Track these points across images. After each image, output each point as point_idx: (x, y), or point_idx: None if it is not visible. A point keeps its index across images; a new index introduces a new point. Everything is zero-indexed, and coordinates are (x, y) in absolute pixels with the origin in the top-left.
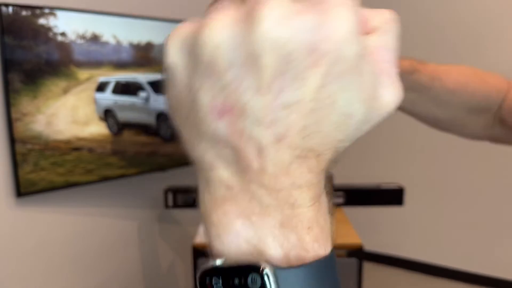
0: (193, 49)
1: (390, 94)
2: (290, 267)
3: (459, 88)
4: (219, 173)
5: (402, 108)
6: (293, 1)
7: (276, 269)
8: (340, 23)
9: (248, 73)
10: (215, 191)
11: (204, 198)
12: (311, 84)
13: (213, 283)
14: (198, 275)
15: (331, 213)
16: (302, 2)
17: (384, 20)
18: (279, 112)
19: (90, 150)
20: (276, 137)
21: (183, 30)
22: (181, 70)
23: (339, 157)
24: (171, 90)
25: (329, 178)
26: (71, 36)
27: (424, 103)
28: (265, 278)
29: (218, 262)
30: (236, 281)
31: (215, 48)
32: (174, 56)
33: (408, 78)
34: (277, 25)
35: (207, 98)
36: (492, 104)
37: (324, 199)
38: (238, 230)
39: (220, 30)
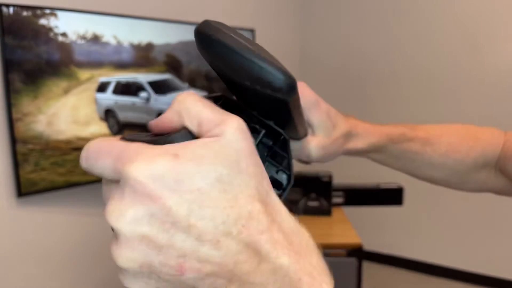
0: None
1: None
2: None
3: (452, 150)
4: None
5: (395, 169)
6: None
7: None
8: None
9: None
10: None
11: None
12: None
13: None
14: None
15: None
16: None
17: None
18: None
19: None
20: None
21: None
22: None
23: None
24: None
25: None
26: (72, 36)
27: (417, 167)
28: None
29: None
30: None
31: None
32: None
33: (397, 149)
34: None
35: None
36: (489, 159)
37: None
38: None
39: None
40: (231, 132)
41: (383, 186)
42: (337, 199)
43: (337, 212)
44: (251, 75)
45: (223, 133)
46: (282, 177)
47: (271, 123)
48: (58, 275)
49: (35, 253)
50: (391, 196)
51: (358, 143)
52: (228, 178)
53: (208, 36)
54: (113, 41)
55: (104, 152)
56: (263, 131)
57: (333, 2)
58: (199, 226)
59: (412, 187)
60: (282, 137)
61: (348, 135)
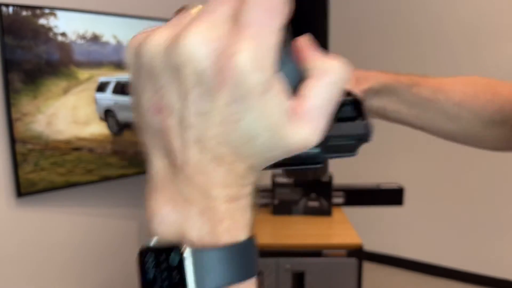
0: (139, 57)
1: (300, 135)
2: (204, 249)
3: (467, 100)
4: (156, 163)
5: (410, 124)
6: (218, 26)
7: (192, 249)
8: (244, 54)
9: (174, 80)
10: (152, 179)
11: (147, 186)
12: (218, 100)
13: (146, 260)
14: (137, 253)
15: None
16: (227, 28)
17: (326, 68)
18: (195, 117)
19: (90, 150)
20: (196, 138)
21: (137, 38)
22: (133, 72)
23: (260, 170)
24: (129, 86)
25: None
26: (72, 36)
27: (431, 117)
28: (183, 256)
29: (151, 242)
30: (162, 258)
31: (151, 58)
32: (128, 60)
33: (407, 92)
34: (196, 44)
35: (147, 96)
36: (507, 116)
37: (245, 200)
38: (164, 215)
39: (156, 43)
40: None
41: (383, 186)
42: (337, 199)
43: (337, 212)
44: None
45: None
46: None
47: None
48: (58, 275)
49: (34, 253)
50: (391, 196)
51: (369, 83)
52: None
53: None
54: (112, 41)
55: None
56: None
57: (333, 2)
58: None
59: (412, 187)
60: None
61: (358, 78)
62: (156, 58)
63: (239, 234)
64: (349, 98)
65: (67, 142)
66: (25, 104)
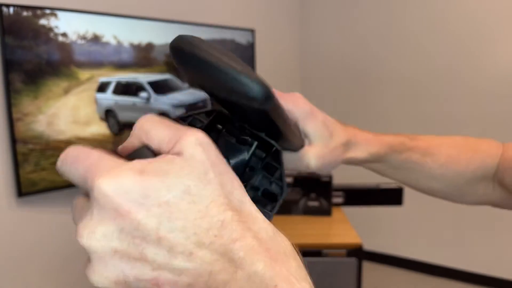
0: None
1: None
2: None
3: (451, 161)
4: None
5: (393, 180)
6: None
7: None
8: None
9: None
10: None
11: None
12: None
13: None
14: None
15: None
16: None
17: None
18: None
19: None
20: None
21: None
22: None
23: None
24: None
25: None
26: (72, 36)
27: (416, 178)
28: None
29: None
30: None
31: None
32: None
33: (397, 159)
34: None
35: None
36: (487, 171)
37: None
38: None
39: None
40: (191, 146)
41: (383, 186)
42: (337, 199)
43: (337, 212)
44: (226, 86)
45: (183, 149)
46: (276, 189)
47: (262, 134)
48: (58, 275)
49: (35, 253)
50: (391, 196)
51: (357, 153)
52: (196, 189)
53: (181, 50)
54: (113, 41)
55: (80, 159)
56: (255, 143)
57: (333, 2)
58: (170, 238)
59: None
60: (274, 148)
61: (347, 144)
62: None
63: None
64: (279, 182)
65: (68, 142)
66: (26, 104)
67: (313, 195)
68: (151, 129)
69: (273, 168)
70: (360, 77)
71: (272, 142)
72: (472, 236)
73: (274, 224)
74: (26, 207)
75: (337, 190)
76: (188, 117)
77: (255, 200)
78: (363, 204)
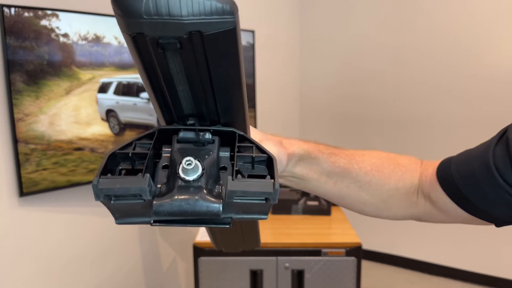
0: None
1: None
2: None
3: (376, 169)
4: None
5: (327, 194)
6: None
7: None
8: None
9: None
10: None
11: None
12: None
13: None
14: None
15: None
16: None
17: None
18: None
19: (92, 150)
20: None
21: None
22: None
23: None
24: None
25: None
26: (73, 37)
27: (347, 185)
28: None
29: None
30: None
31: None
32: None
33: (327, 161)
34: None
35: None
36: (408, 184)
37: None
38: None
39: None
40: None
41: None
42: None
43: (336, 212)
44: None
45: None
46: (261, 159)
47: (218, 126)
48: (59, 274)
49: (36, 252)
50: None
51: (293, 147)
52: None
53: None
54: (114, 42)
55: None
56: (217, 138)
57: (333, 3)
58: None
59: None
60: (236, 133)
61: (282, 142)
62: None
63: None
64: (263, 155)
65: (69, 142)
66: (27, 104)
67: (312, 194)
68: None
69: (247, 149)
70: (361, 77)
71: (230, 129)
72: (471, 235)
73: (274, 224)
74: (28, 207)
75: None
76: (130, 144)
77: (253, 177)
78: None
